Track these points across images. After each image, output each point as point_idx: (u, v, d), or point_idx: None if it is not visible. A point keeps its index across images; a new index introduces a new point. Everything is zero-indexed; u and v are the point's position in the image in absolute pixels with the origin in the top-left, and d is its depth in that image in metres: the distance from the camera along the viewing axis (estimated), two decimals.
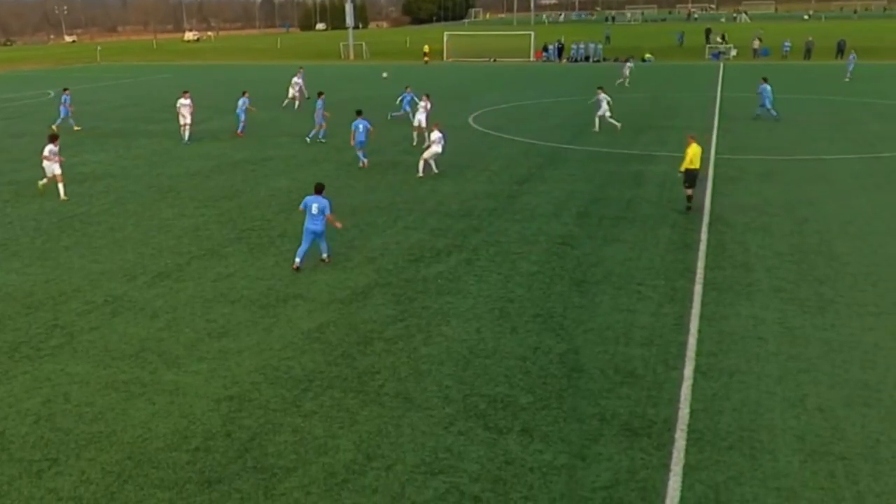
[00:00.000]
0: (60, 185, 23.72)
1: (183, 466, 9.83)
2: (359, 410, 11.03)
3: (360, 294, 15.43)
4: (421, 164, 25.73)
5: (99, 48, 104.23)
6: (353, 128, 26.96)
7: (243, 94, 36.45)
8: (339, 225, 16.93)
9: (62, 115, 37.34)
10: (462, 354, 12.68)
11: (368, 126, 26.98)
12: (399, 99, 37.79)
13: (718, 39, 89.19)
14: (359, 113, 26.92)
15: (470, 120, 38.44)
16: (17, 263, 17.88)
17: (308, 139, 33.36)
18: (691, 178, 20.93)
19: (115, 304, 15.19)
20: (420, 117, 31.03)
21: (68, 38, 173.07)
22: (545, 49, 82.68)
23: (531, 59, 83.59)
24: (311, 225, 16.55)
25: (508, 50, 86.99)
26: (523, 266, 16.86)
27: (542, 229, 19.59)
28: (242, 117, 35.49)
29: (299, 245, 17.08)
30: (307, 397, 11.42)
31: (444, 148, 25.73)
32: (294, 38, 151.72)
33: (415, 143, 31.16)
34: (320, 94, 33.59)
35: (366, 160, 27.59)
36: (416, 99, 35.64)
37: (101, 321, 14.40)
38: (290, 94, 44.95)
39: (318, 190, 16.76)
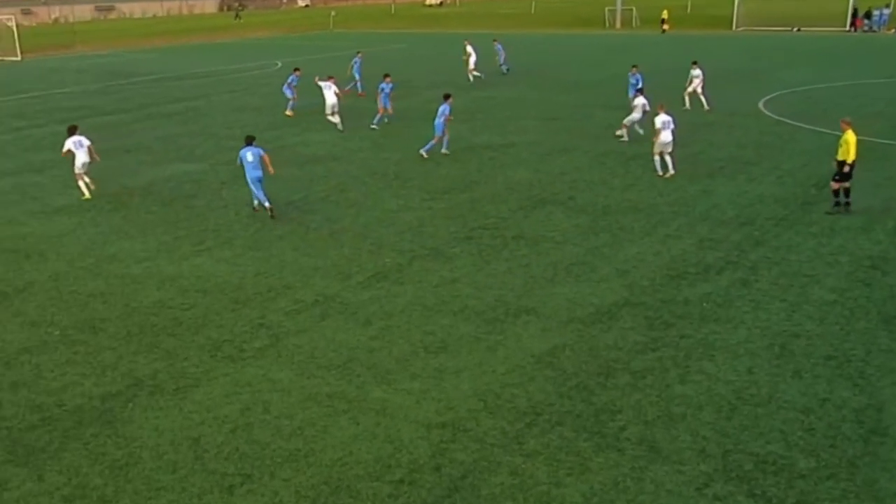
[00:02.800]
0: None
1: (384, 499, 10.22)
2: (592, 456, 10.92)
3: (604, 314, 15.30)
4: (656, 159, 25.01)
5: (333, 14, 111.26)
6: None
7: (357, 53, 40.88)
8: (271, 170, 22.14)
9: (290, 96, 38.64)
10: (727, 399, 12.19)
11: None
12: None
13: None
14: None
15: (760, 105, 36.92)
16: (229, 252, 19.48)
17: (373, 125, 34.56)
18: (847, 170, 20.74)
19: (326, 306, 16.12)
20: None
21: (301, 3, 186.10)
22: (867, 16, 77.61)
23: (847, 28, 78.84)
24: (251, 173, 21.88)
25: (816, 17, 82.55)
26: (816, 293, 15.92)
27: (845, 247, 18.40)
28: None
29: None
30: (531, 433, 11.47)
31: (675, 134, 24.84)
32: (552, 2, 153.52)
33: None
34: (386, 75, 34.82)
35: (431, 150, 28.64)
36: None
37: (310, 324, 15.33)
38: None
39: (249, 141, 22.19)
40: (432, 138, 28.39)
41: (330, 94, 34.10)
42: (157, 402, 12.76)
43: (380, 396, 12.61)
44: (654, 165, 25.02)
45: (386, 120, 34.84)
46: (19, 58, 72.94)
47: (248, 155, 21.95)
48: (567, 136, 31.59)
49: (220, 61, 64.90)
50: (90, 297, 17.12)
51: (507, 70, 50.88)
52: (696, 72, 36.30)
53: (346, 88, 44.03)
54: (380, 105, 34.63)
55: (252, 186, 22.21)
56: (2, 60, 70.75)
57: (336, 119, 34.07)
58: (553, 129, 33.30)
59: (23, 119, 40.58)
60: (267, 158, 22.10)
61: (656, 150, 24.96)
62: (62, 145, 24.92)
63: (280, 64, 58.85)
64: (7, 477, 10.98)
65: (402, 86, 42.02)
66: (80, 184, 24.78)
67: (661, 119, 24.79)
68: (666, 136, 24.70)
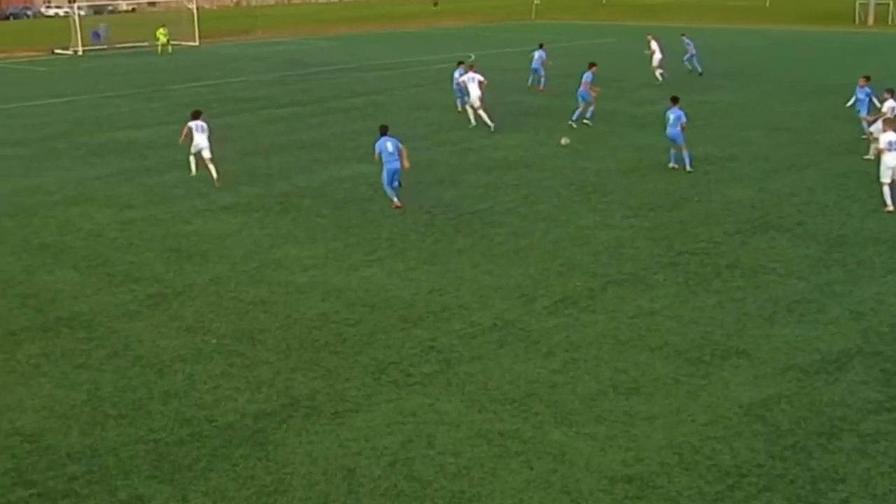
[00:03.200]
0: None
1: None
2: None
3: (832, 362, 14.71)
4: (885, 189, 23.33)
5: (536, 2, 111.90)
6: None
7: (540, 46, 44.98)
8: (406, 164, 23.96)
9: (459, 95, 38.85)
10: None
11: None
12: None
13: None
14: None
15: None
16: (402, 265, 19.87)
17: (572, 122, 34.99)
18: None
19: (505, 331, 16.18)
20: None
21: None
22: None
23: None
24: (390, 164, 23.80)
25: None
26: None
27: None
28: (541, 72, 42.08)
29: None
30: (734, 497, 11.14)
31: None
32: None
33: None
34: (592, 65, 35.60)
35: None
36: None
37: (485, 350, 15.42)
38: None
39: (384, 131, 24.12)
40: (676, 148, 28.06)
41: (474, 86, 35.01)
42: (312, 425, 13.12)
43: (559, 439, 12.53)
44: (882, 198, 23.37)
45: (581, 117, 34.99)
46: (197, 43, 76.96)
47: (389, 145, 23.79)
48: (799, 151, 30.59)
49: (407, 52, 66.42)
50: (251, 304, 17.83)
51: (701, 72, 50.01)
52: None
53: (540, 87, 44.75)
54: (587, 97, 34.96)
55: (387, 178, 24.11)
56: (179, 45, 74.84)
57: (483, 115, 34.88)
58: (782, 141, 32.31)
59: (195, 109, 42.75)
60: (404, 151, 23.97)
61: (883, 177, 23.22)
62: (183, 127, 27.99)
63: (473, 56, 59.58)
64: (150, 494, 11.53)
65: (608, 85, 41.78)
66: (191, 159, 27.92)
67: (888, 138, 23.08)
68: (890, 160, 22.94)
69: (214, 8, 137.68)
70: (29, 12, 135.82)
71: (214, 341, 16.15)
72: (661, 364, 14.77)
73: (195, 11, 79.05)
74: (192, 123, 27.38)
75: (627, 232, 21.92)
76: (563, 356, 15.16)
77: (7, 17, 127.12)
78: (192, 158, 27.86)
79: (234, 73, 56.51)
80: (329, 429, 13.01)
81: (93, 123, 39.52)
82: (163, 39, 71.19)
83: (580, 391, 13.92)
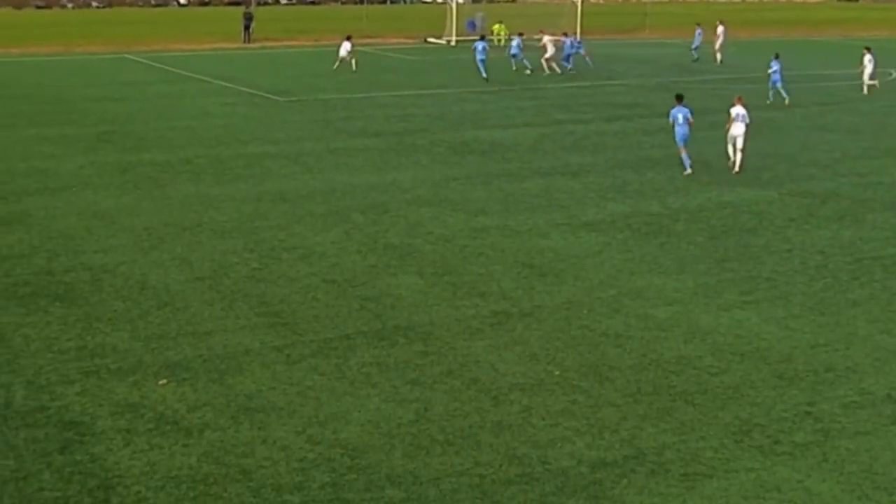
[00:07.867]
0: None
1: None
2: None
3: None
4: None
5: None
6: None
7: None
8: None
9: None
10: None
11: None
12: None
13: None
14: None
15: None
16: (782, 311, 19.06)
17: None
18: None
19: None
20: None
21: None
22: None
23: None
24: (680, 130, 30.65)
25: None
26: None
27: None
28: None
29: None
30: None
31: None
32: None
33: None
34: None
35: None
36: None
37: (875, 425, 14.48)
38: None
39: (680, 100, 31.20)
40: None
41: (550, 45, 55.13)
42: (657, 485, 12.75)
43: None
44: None
45: None
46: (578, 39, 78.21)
47: (680, 116, 30.58)
48: None
49: (812, 64, 63.99)
50: (603, 336, 17.69)
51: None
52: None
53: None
54: None
55: (681, 144, 30.93)
56: (558, 42, 76.30)
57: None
58: None
59: (567, 111, 43.47)
60: (692, 121, 30.78)
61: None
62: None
63: (894, 74, 56.81)
64: None
65: None
66: (352, 61, 55.35)
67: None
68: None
69: (601, 2, 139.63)
70: None
71: (558, 373, 16.12)
72: None
73: (579, 5, 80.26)
74: (342, 46, 56.04)
75: None
76: None
77: (384, 1, 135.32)
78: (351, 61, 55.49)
79: (613, 75, 56.99)
80: (676, 492, 12.58)
81: (456, 119, 41.08)
82: (502, 34, 73.66)
83: None
